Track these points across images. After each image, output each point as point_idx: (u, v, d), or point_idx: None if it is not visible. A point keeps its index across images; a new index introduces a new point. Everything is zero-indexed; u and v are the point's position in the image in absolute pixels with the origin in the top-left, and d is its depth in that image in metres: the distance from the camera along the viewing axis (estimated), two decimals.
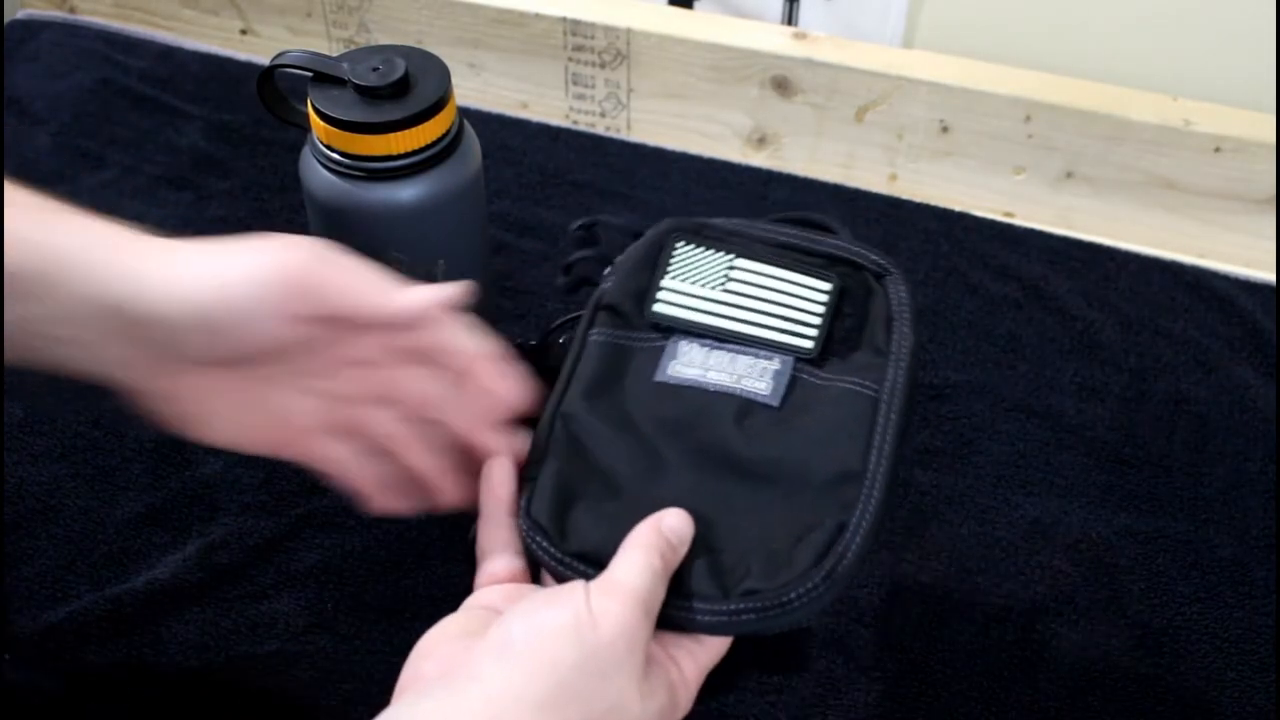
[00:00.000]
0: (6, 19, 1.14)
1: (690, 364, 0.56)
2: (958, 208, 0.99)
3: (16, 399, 0.81)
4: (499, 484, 0.54)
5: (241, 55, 1.11)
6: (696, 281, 0.58)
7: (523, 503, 0.53)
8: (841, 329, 0.56)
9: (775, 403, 0.54)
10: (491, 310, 0.76)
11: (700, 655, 0.50)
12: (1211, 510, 0.78)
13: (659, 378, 0.56)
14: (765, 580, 0.48)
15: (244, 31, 1.12)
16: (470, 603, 0.51)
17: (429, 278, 0.68)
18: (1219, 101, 0.94)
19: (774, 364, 0.55)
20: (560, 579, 0.50)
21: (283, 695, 0.67)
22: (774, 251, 0.59)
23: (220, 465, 0.78)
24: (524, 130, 1.04)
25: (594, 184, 0.99)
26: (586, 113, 1.06)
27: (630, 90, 1.03)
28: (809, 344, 0.56)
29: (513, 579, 0.52)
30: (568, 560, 0.50)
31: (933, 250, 0.95)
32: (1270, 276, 0.94)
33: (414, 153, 0.64)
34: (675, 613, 0.49)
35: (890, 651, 0.70)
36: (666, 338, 0.57)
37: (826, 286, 0.57)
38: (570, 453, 0.54)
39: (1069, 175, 0.97)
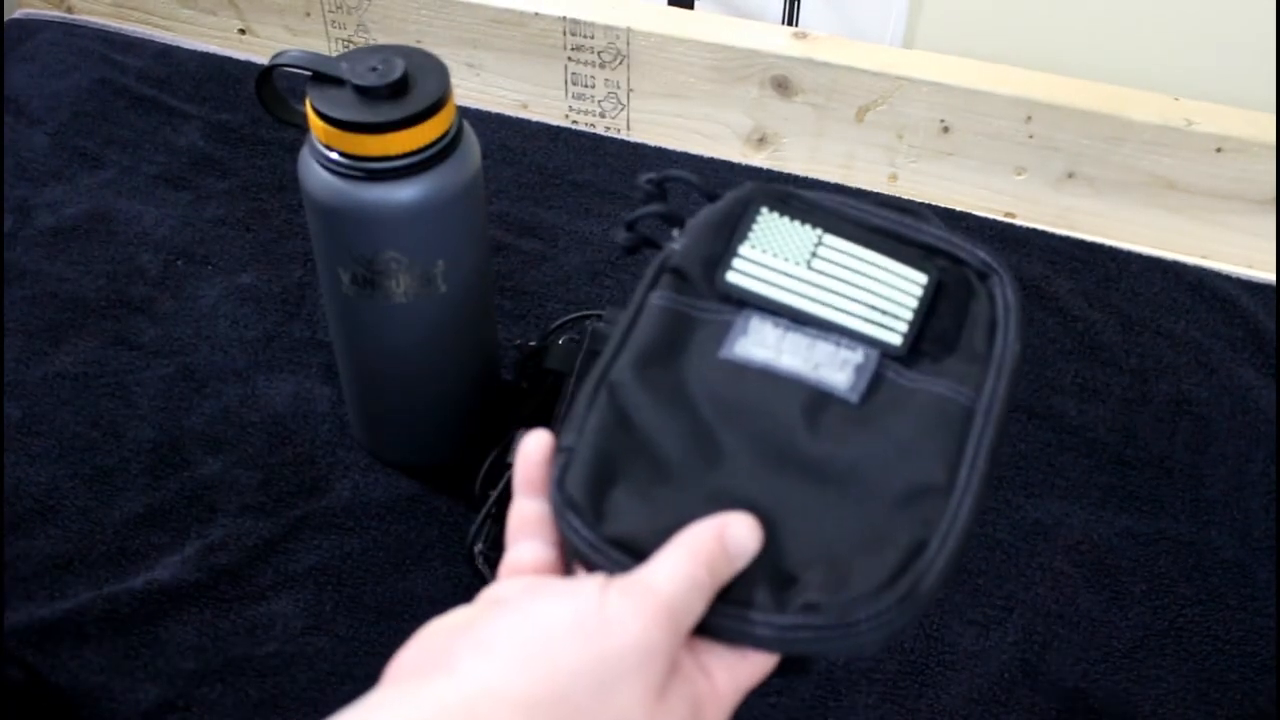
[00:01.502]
0: (5, 18, 1.14)
1: (762, 344, 0.49)
2: (958, 208, 0.99)
3: (15, 399, 0.81)
4: (534, 460, 0.46)
5: (240, 55, 1.10)
6: (779, 254, 0.51)
7: (555, 474, 0.45)
8: (936, 328, 0.50)
9: (854, 399, 0.48)
10: (491, 310, 0.76)
11: (740, 672, 0.43)
12: (1213, 512, 0.78)
13: (724, 354, 0.49)
14: (829, 593, 0.42)
15: (242, 31, 1.12)
16: (483, 595, 0.45)
17: (428, 278, 0.67)
18: (1220, 102, 0.93)
19: (857, 356, 0.49)
20: (591, 566, 0.44)
21: (281, 697, 0.67)
22: (867, 234, 0.52)
23: (219, 466, 0.78)
24: (523, 130, 1.03)
25: (594, 184, 0.99)
26: (586, 113, 1.06)
27: (630, 90, 1.03)
28: (897, 339, 0.49)
29: (537, 569, 0.45)
30: (602, 546, 0.43)
31: None
32: (1271, 277, 0.94)
33: (413, 153, 0.64)
34: (718, 620, 0.42)
35: (890, 653, 0.70)
36: (737, 312, 0.50)
37: (922, 279, 0.51)
38: (614, 426, 0.47)
39: (1070, 175, 0.97)
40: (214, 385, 0.82)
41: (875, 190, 0.99)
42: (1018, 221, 0.99)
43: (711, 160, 1.02)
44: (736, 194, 0.53)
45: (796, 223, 0.52)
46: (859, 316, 0.50)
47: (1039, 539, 0.76)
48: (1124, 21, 0.95)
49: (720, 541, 0.43)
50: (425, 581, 0.72)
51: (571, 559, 0.46)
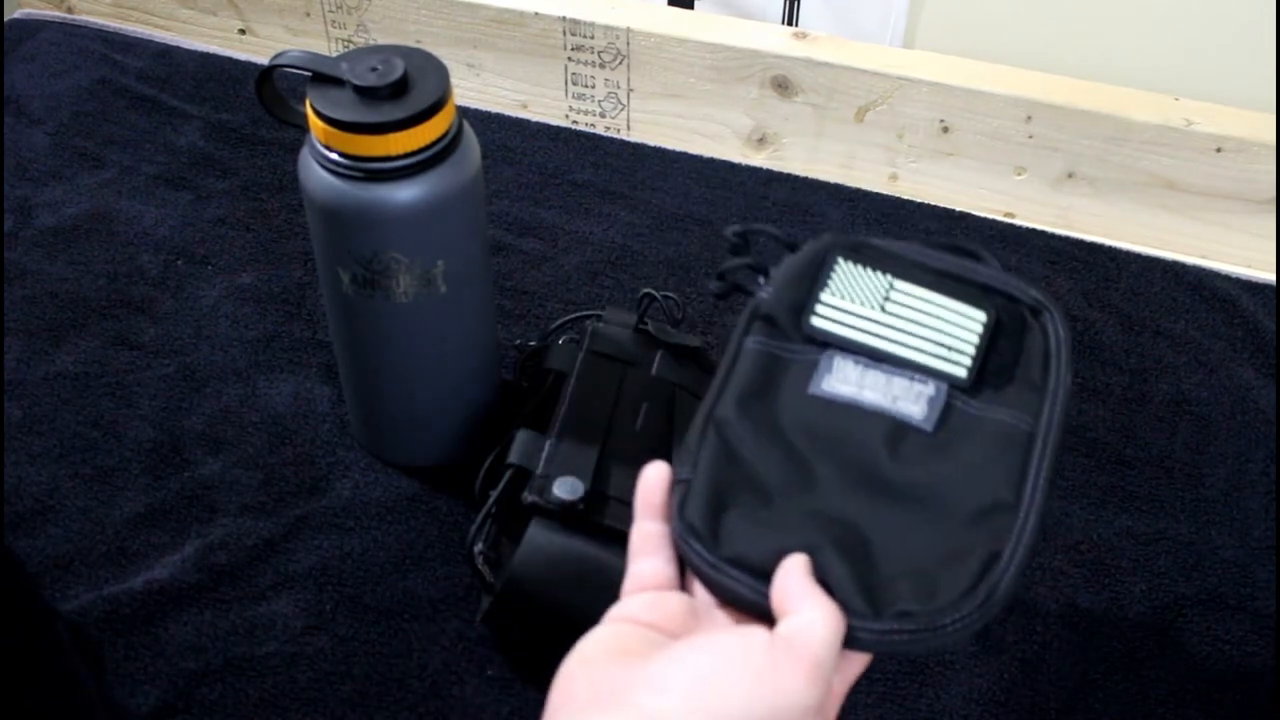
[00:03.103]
0: (5, 18, 1.14)
1: (845, 380, 0.56)
2: (958, 208, 0.99)
3: (15, 399, 0.81)
4: (654, 486, 0.53)
5: (240, 55, 1.10)
6: (855, 299, 0.58)
7: (675, 504, 0.52)
8: (996, 361, 0.56)
9: (929, 428, 0.54)
10: (491, 311, 0.76)
11: (847, 671, 0.50)
12: (1213, 511, 0.78)
13: (813, 391, 0.56)
14: (919, 603, 0.49)
15: (242, 31, 1.12)
16: (613, 614, 0.51)
17: (428, 278, 0.67)
18: (1220, 102, 0.94)
19: (929, 389, 0.55)
20: (711, 583, 0.51)
21: (281, 697, 0.67)
22: (932, 277, 0.59)
23: (219, 466, 0.78)
24: (524, 130, 1.03)
25: (594, 184, 0.99)
26: (586, 113, 1.06)
27: (630, 90, 1.03)
28: (963, 372, 0.55)
29: (659, 585, 0.52)
30: (721, 566, 0.50)
31: None
32: (1271, 277, 0.94)
33: (413, 153, 0.64)
34: None
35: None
36: (821, 352, 0.57)
37: (982, 317, 0.57)
38: (722, 458, 0.54)
39: (1070, 175, 0.97)
40: (214, 385, 0.82)
41: (874, 191, 0.99)
42: (1017, 221, 0.99)
43: (711, 160, 1.02)
44: (815, 245, 0.59)
45: (869, 270, 0.59)
46: (929, 353, 0.56)
47: (1039, 539, 0.76)
48: (1124, 21, 0.95)
49: (811, 576, 0.49)
50: (425, 581, 0.72)
51: (687, 573, 0.52)
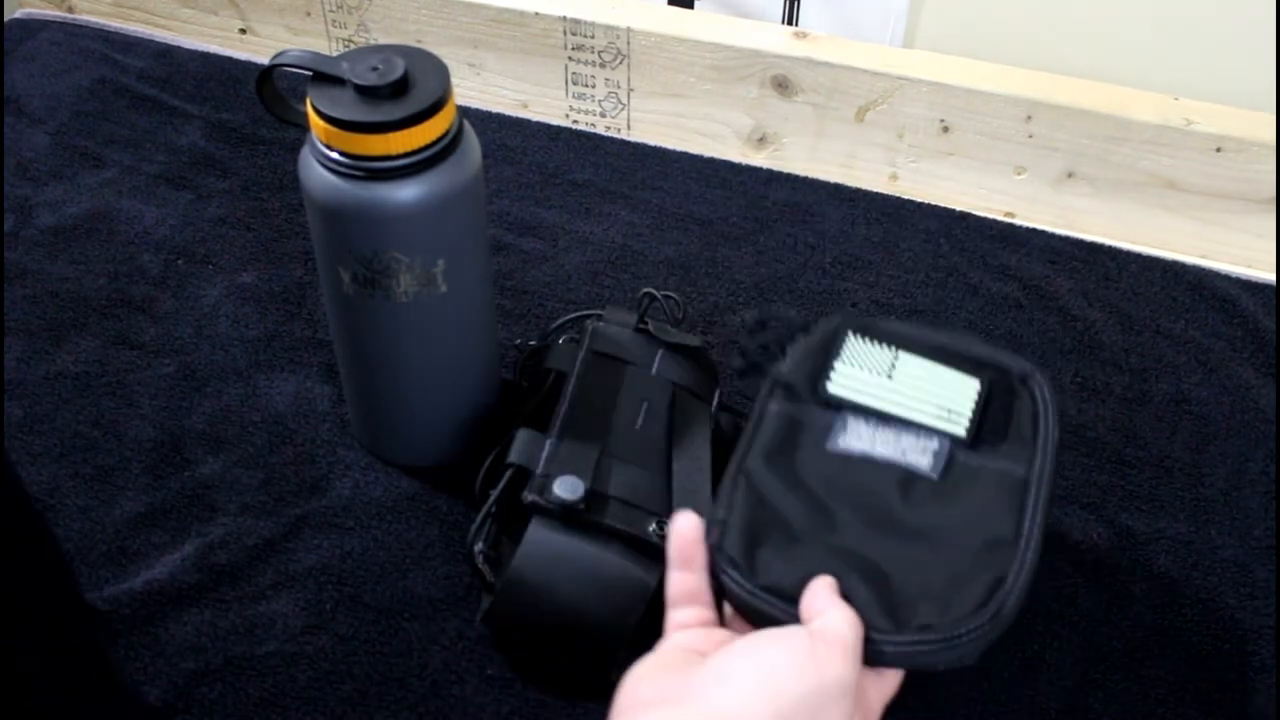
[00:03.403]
0: (5, 18, 1.14)
1: (859, 438, 0.63)
2: (958, 208, 0.99)
3: (16, 399, 0.81)
4: (688, 535, 0.58)
5: (240, 55, 1.10)
6: (865, 368, 0.66)
7: (714, 540, 0.59)
8: (991, 422, 0.64)
9: (935, 476, 0.62)
10: (491, 310, 0.76)
11: (883, 686, 0.56)
12: (1213, 511, 0.78)
13: (830, 447, 0.63)
14: (937, 617, 0.55)
15: (243, 31, 1.12)
16: (666, 646, 0.56)
17: (428, 277, 0.67)
18: (1220, 101, 0.94)
19: (933, 443, 0.63)
20: (747, 608, 0.57)
21: (281, 696, 0.67)
22: (931, 351, 0.67)
23: (219, 466, 0.78)
24: (524, 130, 1.03)
25: (594, 184, 0.99)
26: (586, 112, 1.06)
27: (630, 90, 1.03)
28: (963, 431, 0.63)
29: (701, 626, 0.57)
30: (758, 593, 0.57)
31: (933, 250, 0.94)
32: (1271, 277, 0.94)
33: (413, 152, 0.64)
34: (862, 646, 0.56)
35: None
36: (836, 414, 0.64)
37: (976, 385, 0.65)
38: (753, 502, 0.61)
39: (1070, 175, 0.97)
40: (214, 385, 0.82)
41: (875, 190, 0.99)
42: (1018, 221, 0.99)
43: (712, 160, 1.02)
44: (827, 323, 0.68)
45: (876, 344, 0.67)
46: (932, 415, 0.64)
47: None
48: (1124, 21, 0.95)
49: (836, 591, 0.56)
50: (425, 581, 0.72)
51: (732, 607, 0.58)
